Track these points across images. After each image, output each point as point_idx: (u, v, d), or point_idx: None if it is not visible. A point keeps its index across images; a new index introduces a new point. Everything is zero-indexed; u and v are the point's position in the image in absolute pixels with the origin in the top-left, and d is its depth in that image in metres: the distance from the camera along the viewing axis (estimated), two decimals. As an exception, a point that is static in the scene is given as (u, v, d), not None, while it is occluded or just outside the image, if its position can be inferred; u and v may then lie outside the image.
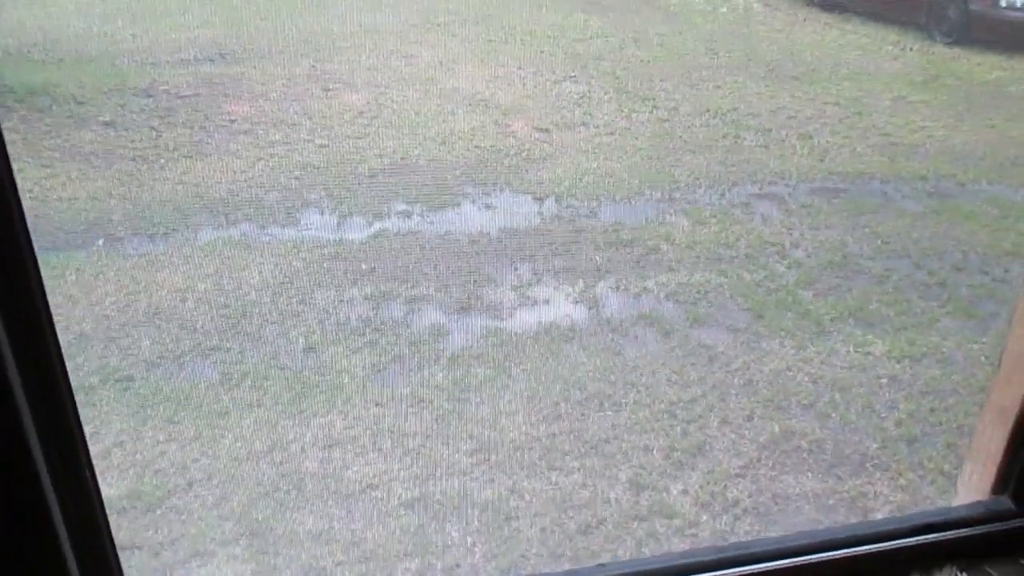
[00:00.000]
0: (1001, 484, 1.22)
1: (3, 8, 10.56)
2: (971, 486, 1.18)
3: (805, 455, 3.77)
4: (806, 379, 4.26)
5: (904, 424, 3.98)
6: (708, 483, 3.62)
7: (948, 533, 1.12)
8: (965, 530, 1.12)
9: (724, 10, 12.15)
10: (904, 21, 10.94)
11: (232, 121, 7.49)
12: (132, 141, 6.99)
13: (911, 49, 10.27)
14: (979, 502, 1.16)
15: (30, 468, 0.75)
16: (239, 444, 3.77)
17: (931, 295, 4.99)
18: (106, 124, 7.27)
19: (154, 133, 7.16)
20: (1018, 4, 9.62)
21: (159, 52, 9.27)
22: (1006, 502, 1.22)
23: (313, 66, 9.00)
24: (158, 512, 3.45)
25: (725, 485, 3.61)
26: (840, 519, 3.46)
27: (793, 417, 4.00)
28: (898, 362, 4.40)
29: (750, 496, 3.57)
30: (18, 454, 0.74)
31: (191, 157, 6.72)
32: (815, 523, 3.45)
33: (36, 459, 0.76)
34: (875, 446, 3.85)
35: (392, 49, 9.64)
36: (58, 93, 7.79)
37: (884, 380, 4.27)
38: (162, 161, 6.65)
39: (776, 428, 3.92)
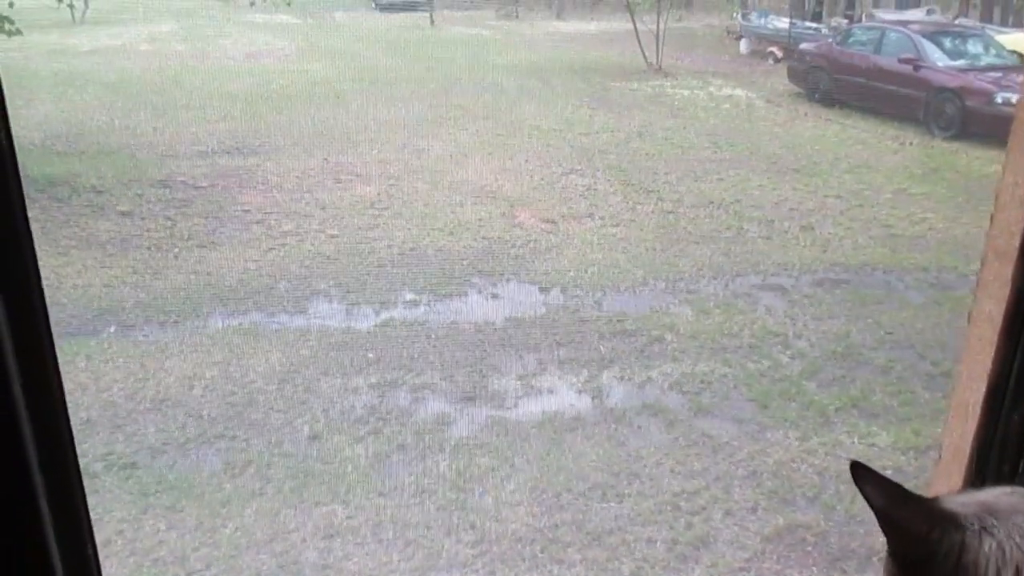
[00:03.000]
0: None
1: (31, 103, 10.98)
2: None
3: (810, 548, 3.72)
4: (811, 471, 4.24)
5: (911, 517, 3.92)
6: (712, 577, 3.57)
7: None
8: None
9: (727, 106, 12.50)
10: (903, 116, 11.23)
11: (246, 211, 7.68)
12: (148, 230, 7.16)
13: (911, 143, 10.51)
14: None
15: (42, 544, 0.79)
16: (239, 533, 3.76)
17: (935, 386, 4.98)
18: (123, 214, 7.47)
19: (169, 223, 7.35)
20: (1013, 100, 9.87)
21: (178, 144, 9.58)
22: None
23: (327, 159, 9.28)
24: (156, 603, 3.42)
25: (729, 579, 3.56)
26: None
27: (798, 509, 3.96)
28: (903, 453, 4.37)
29: (754, 591, 3.51)
30: (32, 535, 0.78)
31: (204, 246, 6.88)
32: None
33: (48, 536, 0.80)
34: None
35: (404, 142, 9.92)
36: (78, 183, 8.03)
37: (889, 471, 4.23)
38: (176, 250, 6.81)
39: (781, 520, 3.88)
